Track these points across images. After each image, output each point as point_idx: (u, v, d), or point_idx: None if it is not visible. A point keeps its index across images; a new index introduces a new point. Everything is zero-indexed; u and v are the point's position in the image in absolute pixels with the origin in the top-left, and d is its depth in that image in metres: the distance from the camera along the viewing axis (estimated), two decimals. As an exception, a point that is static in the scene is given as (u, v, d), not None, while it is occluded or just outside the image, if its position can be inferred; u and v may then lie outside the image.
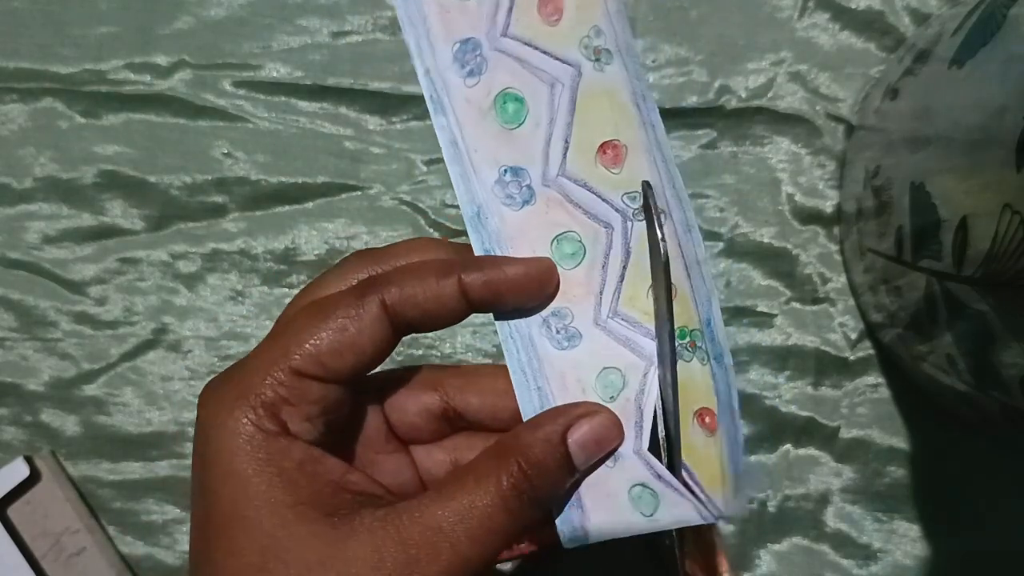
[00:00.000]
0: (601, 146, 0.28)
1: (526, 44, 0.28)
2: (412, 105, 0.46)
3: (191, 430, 0.46)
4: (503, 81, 0.28)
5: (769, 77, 0.45)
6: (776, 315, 0.45)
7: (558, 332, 0.28)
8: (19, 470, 0.43)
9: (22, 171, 0.46)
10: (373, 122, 0.46)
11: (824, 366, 0.45)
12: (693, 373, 0.29)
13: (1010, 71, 0.30)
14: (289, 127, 0.46)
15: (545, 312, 0.28)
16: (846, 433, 0.45)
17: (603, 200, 0.28)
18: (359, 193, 0.46)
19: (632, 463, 0.28)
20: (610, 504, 0.28)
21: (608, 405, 0.28)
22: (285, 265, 0.46)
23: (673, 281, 0.28)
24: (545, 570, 0.32)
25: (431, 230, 0.45)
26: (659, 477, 0.28)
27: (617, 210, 0.28)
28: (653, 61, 0.45)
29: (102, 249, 0.46)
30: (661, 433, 0.28)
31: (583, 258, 0.28)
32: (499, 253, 0.28)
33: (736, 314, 0.45)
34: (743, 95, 0.45)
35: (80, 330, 0.46)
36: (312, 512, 0.24)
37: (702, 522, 0.28)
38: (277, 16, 0.46)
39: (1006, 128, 0.29)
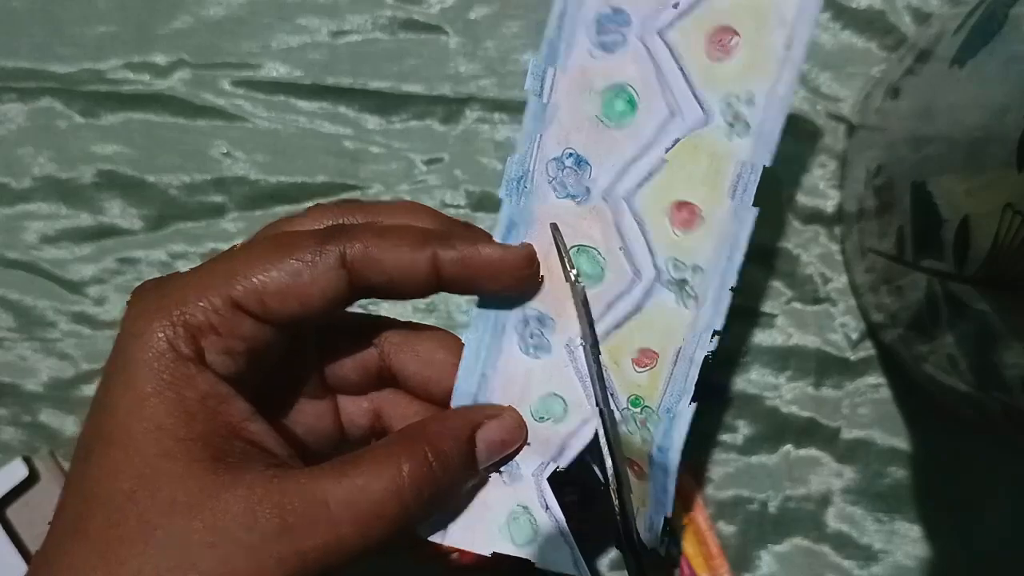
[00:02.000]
0: (678, 203, 0.26)
1: (675, 59, 0.25)
2: (411, 104, 0.45)
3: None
4: (628, 74, 0.25)
5: (770, 76, 0.45)
6: (777, 315, 0.45)
7: (532, 337, 0.27)
8: (18, 470, 0.43)
9: (21, 171, 0.46)
10: (372, 122, 0.46)
11: (825, 366, 0.45)
12: (632, 440, 0.27)
13: (1011, 71, 0.30)
14: (288, 127, 0.46)
15: (530, 311, 0.27)
16: (847, 434, 0.45)
17: (649, 250, 0.26)
18: (358, 193, 0.46)
19: (526, 485, 0.27)
20: (483, 515, 0.27)
21: (536, 424, 0.27)
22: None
23: (659, 356, 0.27)
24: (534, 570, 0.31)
25: (431, 230, 0.45)
26: (546, 507, 0.27)
27: (656, 267, 0.26)
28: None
29: (101, 249, 0.46)
30: (611, 480, 0.27)
31: (597, 285, 0.27)
32: (519, 229, 0.26)
33: (737, 314, 0.45)
34: (744, 94, 0.45)
35: (79, 330, 0.46)
36: (198, 450, 0.23)
37: (573, 573, 0.27)
38: (276, 15, 0.46)
39: (1007, 128, 0.29)
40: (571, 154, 0.26)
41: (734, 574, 0.44)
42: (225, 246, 0.46)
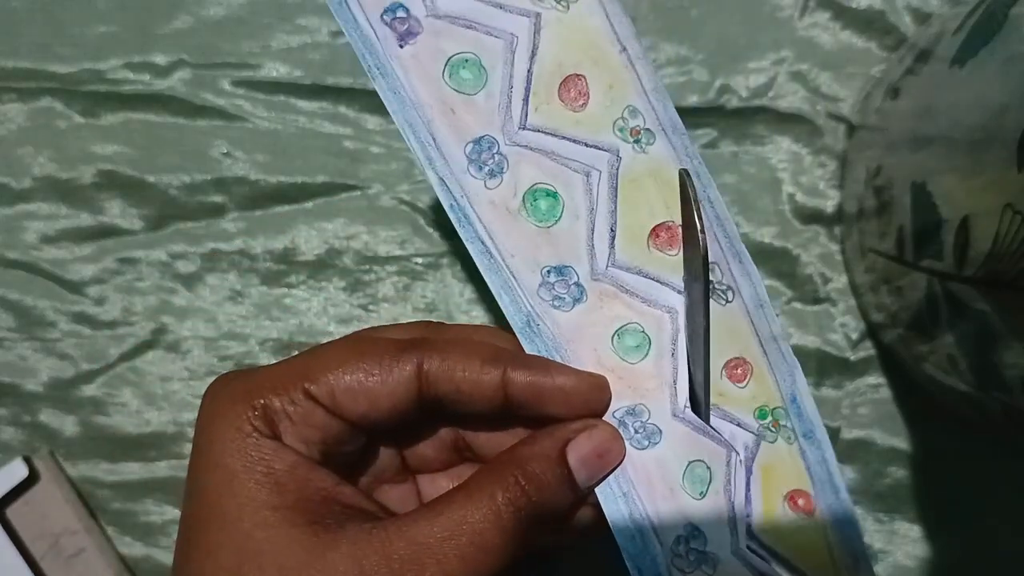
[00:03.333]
0: (654, 229, 0.26)
1: (550, 134, 0.26)
2: (412, 105, 0.45)
3: (190, 431, 0.46)
4: (530, 177, 0.26)
5: (770, 76, 0.45)
6: (777, 315, 0.45)
7: (637, 432, 0.26)
8: (18, 470, 0.43)
9: (21, 171, 0.46)
10: (372, 121, 0.45)
11: (825, 366, 0.45)
12: (780, 454, 0.27)
13: (1011, 71, 0.30)
14: (288, 127, 0.46)
15: (619, 413, 0.26)
16: (847, 434, 0.45)
17: (662, 284, 0.26)
18: (358, 193, 0.46)
19: (729, 563, 0.26)
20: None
21: (699, 501, 0.26)
22: (284, 265, 0.46)
23: (749, 359, 0.27)
24: (545, 570, 0.31)
25: (431, 230, 0.45)
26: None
27: (679, 292, 0.26)
28: (653, 60, 0.45)
29: (101, 249, 0.46)
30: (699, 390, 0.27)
31: (649, 349, 0.26)
32: (557, 359, 0.26)
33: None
34: (744, 95, 0.45)
35: (79, 330, 0.46)
36: (296, 517, 0.23)
37: None
38: (276, 15, 0.46)
39: (1007, 128, 0.29)
40: (549, 269, 0.26)
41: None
42: (225, 246, 0.46)
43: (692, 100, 0.45)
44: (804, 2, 0.45)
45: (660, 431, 0.26)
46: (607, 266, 0.26)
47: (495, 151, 0.26)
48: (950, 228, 0.32)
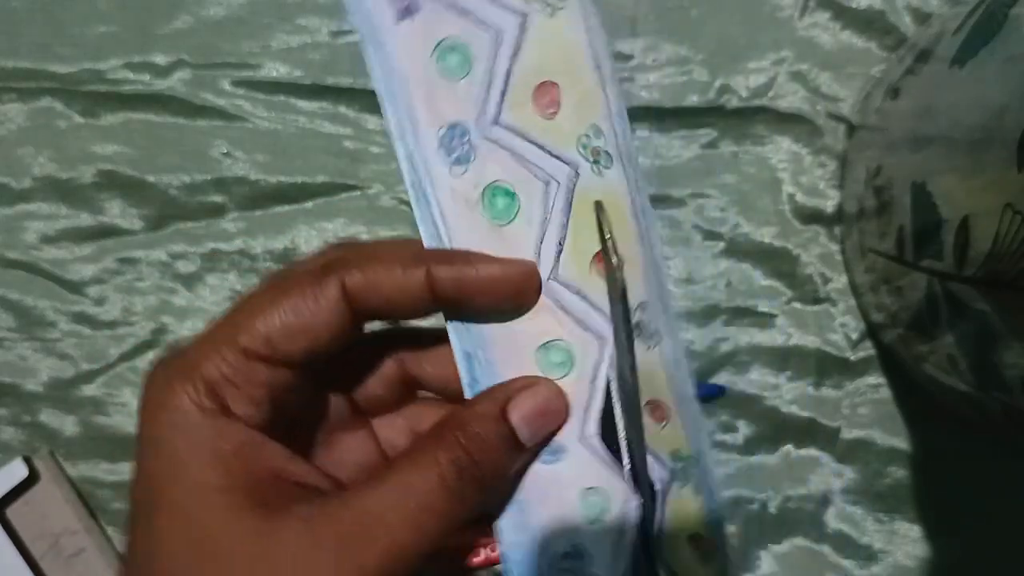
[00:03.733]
0: (598, 254, 0.26)
1: (519, 135, 0.26)
2: (412, 104, 0.45)
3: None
4: (493, 173, 0.26)
5: (770, 76, 0.45)
6: (777, 315, 0.45)
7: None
8: (18, 470, 0.43)
9: (21, 171, 0.46)
10: (372, 121, 0.45)
11: (825, 366, 0.45)
12: (688, 497, 0.28)
13: (1011, 71, 0.30)
14: (288, 127, 0.46)
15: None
16: (847, 434, 0.45)
17: (597, 310, 0.26)
18: (358, 193, 0.46)
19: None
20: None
21: (591, 526, 0.27)
22: (284, 265, 0.46)
23: (666, 405, 0.27)
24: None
25: (431, 230, 0.45)
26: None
27: (610, 322, 0.26)
28: (653, 60, 0.45)
29: (101, 249, 0.46)
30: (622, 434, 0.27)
31: (570, 370, 0.26)
32: (480, 358, 0.26)
33: (737, 314, 0.45)
34: (744, 94, 0.45)
35: (79, 330, 0.46)
36: (244, 500, 0.23)
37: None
38: (276, 15, 0.46)
39: (1007, 128, 0.29)
40: None
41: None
42: (225, 246, 0.46)
43: (692, 100, 0.45)
44: (804, 2, 0.45)
45: (565, 450, 0.26)
46: (548, 278, 0.26)
47: (466, 140, 0.26)
48: (950, 228, 0.32)
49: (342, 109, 0.46)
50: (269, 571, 0.22)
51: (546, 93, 0.26)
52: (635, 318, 0.26)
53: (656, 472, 0.27)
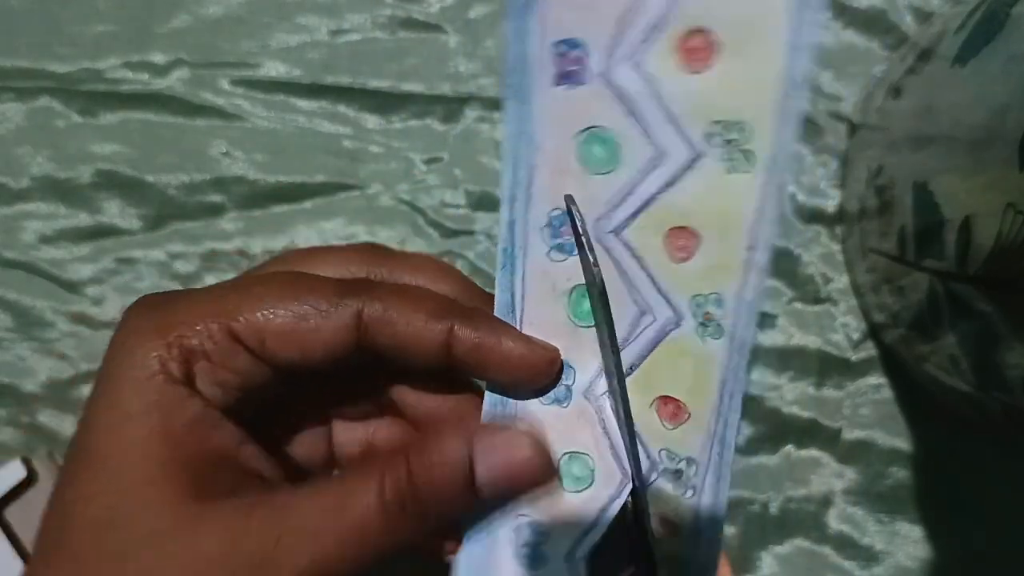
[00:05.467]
0: (663, 397, 0.25)
1: (635, 258, 0.24)
2: (411, 104, 0.45)
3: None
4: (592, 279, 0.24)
5: (770, 75, 0.45)
6: (778, 315, 0.45)
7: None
8: (16, 471, 0.43)
9: (19, 170, 0.46)
10: (372, 121, 0.45)
11: (826, 367, 0.45)
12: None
13: (1013, 70, 0.30)
14: (287, 126, 0.46)
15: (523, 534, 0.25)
16: (848, 434, 0.45)
17: (642, 444, 0.25)
18: (358, 193, 0.45)
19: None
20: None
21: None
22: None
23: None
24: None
25: (430, 229, 0.45)
26: None
27: (650, 459, 0.25)
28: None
29: (99, 249, 0.46)
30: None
31: (586, 488, 0.25)
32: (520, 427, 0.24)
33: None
34: (744, 94, 0.45)
35: (78, 330, 0.46)
36: (181, 476, 0.21)
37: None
38: (275, 14, 0.45)
39: (1009, 127, 0.28)
40: None
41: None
42: (224, 246, 0.45)
43: (692, 99, 0.45)
44: (805, 1, 0.45)
45: (546, 562, 0.25)
46: (602, 392, 0.25)
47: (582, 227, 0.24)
48: (952, 228, 0.32)
49: (341, 108, 0.45)
50: (183, 561, 0.21)
51: (683, 237, 0.23)
52: (677, 466, 0.25)
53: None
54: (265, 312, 0.23)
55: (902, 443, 0.45)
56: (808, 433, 0.45)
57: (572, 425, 0.25)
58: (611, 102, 0.23)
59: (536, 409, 0.25)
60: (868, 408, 0.45)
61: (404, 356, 0.24)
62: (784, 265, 0.45)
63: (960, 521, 0.45)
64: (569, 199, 0.23)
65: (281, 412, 0.27)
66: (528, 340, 0.24)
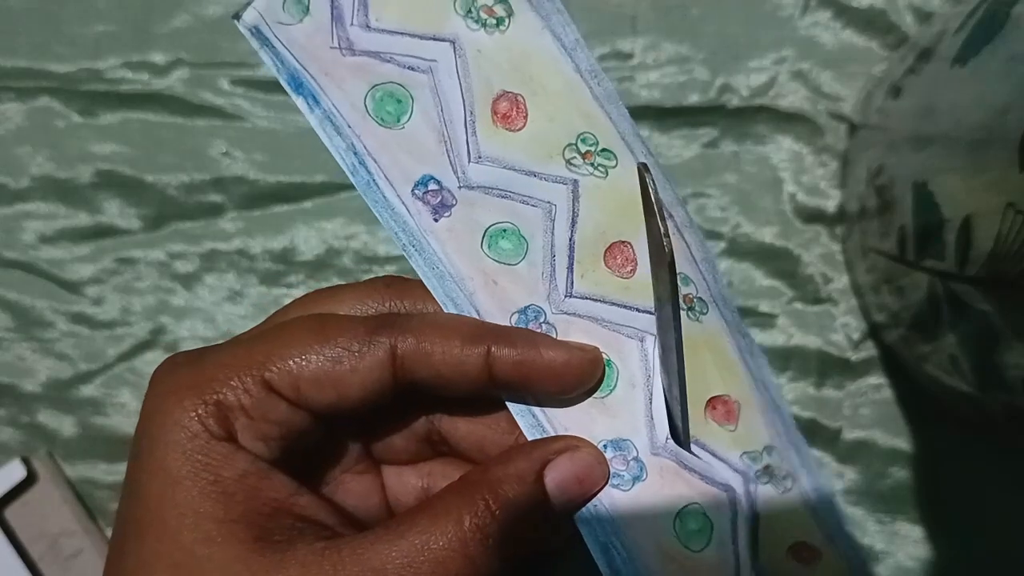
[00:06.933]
0: (710, 401, 0.25)
1: (599, 301, 0.24)
2: (411, 104, 0.45)
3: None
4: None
5: (771, 76, 0.45)
6: (778, 315, 0.45)
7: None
8: (16, 471, 0.43)
9: (19, 170, 0.46)
10: (372, 121, 0.45)
11: (826, 367, 0.45)
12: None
13: (1013, 70, 0.30)
14: (287, 126, 0.46)
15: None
16: (848, 434, 0.45)
17: (719, 459, 0.24)
18: (358, 192, 0.45)
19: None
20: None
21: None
22: (283, 265, 0.46)
23: (814, 548, 0.25)
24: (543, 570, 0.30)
25: (430, 230, 0.45)
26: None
27: (737, 471, 0.25)
28: (654, 60, 0.45)
29: (99, 249, 0.46)
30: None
31: (710, 536, 0.24)
32: (619, 552, 0.23)
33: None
34: (745, 94, 0.45)
35: (77, 330, 0.46)
36: (242, 532, 0.21)
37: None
38: (275, 14, 0.45)
39: (1009, 127, 0.28)
40: (606, 444, 0.24)
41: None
42: (224, 246, 0.45)
43: (693, 99, 0.45)
44: (805, 1, 0.45)
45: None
46: (667, 438, 0.24)
47: (542, 320, 0.24)
48: (952, 228, 0.32)
49: (341, 108, 0.45)
50: None
51: (618, 253, 0.24)
52: (763, 462, 0.25)
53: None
54: (297, 360, 0.22)
55: (902, 443, 0.45)
56: (808, 433, 0.45)
57: (662, 489, 0.24)
58: (484, 200, 0.24)
59: (622, 500, 0.24)
60: (868, 408, 0.45)
61: (445, 386, 0.23)
62: (784, 265, 0.45)
63: (960, 521, 0.44)
64: (643, 167, 0.24)
65: (330, 463, 0.27)
66: (567, 346, 0.24)
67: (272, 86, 0.45)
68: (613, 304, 0.24)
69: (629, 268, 0.24)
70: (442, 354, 0.23)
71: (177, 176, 0.46)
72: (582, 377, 0.24)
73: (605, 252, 0.24)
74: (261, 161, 0.46)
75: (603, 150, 0.24)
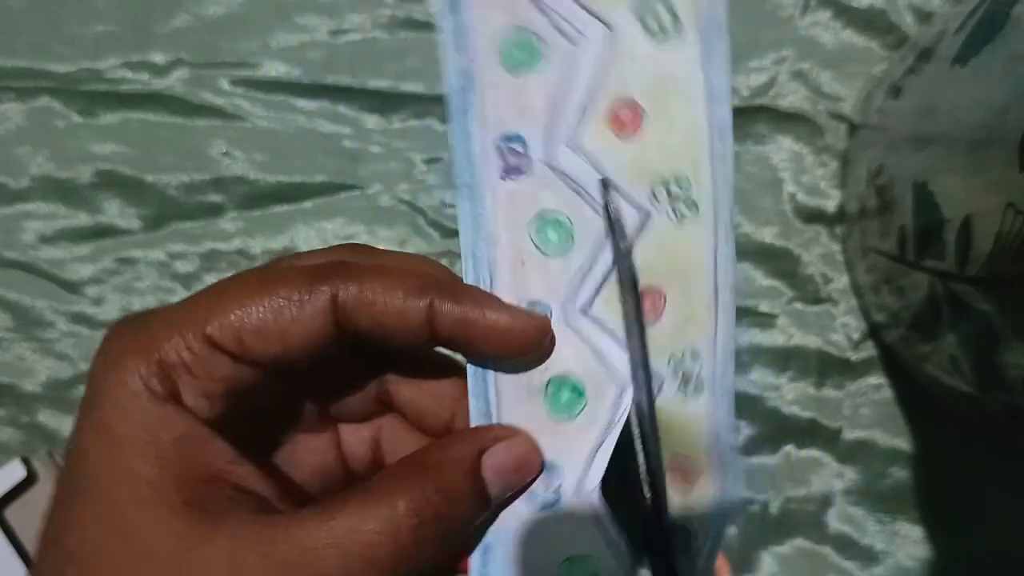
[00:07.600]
0: (673, 461, 0.25)
1: (606, 332, 0.24)
2: (411, 104, 0.45)
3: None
4: (564, 364, 0.24)
5: (771, 76, 0.45)
6: (778, 315, 0.45)
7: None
8: (16, 471, 0.43)
9: (19, 170, 0.46)
10: (372, 121, 0.45)
11: (826, 367, 0.45)
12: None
13: (1013, 70, 0.30)
14: (287, 126, 0.46)
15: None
16: (848, 434, 0.45)
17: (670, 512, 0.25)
18: (357, 192, 0.45)
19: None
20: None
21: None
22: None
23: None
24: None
25: (430, 229, 0.45)
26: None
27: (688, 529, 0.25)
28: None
29: (99, 249, 0.46)
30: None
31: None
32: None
33: (738, 315, 0.45)
34: (745, 94, 0.45)
35: (77, 330, 0.46)
36: (174, 497, 0.21)
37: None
38: (275, 14, 0.45)
39: (1009, 127, 0.28)
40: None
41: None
42: (224, 246, 0.45)
43: (692, 99, 0.45)
44: (805, 1, 0.45)
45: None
46: (594, 490, 0.24)
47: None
48: (952, 228, 0.32)
49: (341, 108, 0.45)
50: None
51: (648, 298, 0.24)
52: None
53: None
54: (238, 312, 0.22)
55: (902, 443, 0.45)
56: (808, 433, 0.45)
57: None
58: (557, 186, 0.23)
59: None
60: (868, 408, 0.45)
61: (386, 337, 0.23)
62: (784, 265, 0.45)
63: (960, 521, 0.44)
64: (604, 182, 0.24)
65: (288, 423, 0.26)
66: (513, 310, 0.23)
67: (272, 86, 0.45)
68: (616, 342, 0.24)
69: (651, 318, 0.24)
70: (384, 304, 0.22)
71: (177, 176, 0.46)
72: (524, 343, 0.23)
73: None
74: (261, 161, 0.46)
75: (691, 200, 0.24)
